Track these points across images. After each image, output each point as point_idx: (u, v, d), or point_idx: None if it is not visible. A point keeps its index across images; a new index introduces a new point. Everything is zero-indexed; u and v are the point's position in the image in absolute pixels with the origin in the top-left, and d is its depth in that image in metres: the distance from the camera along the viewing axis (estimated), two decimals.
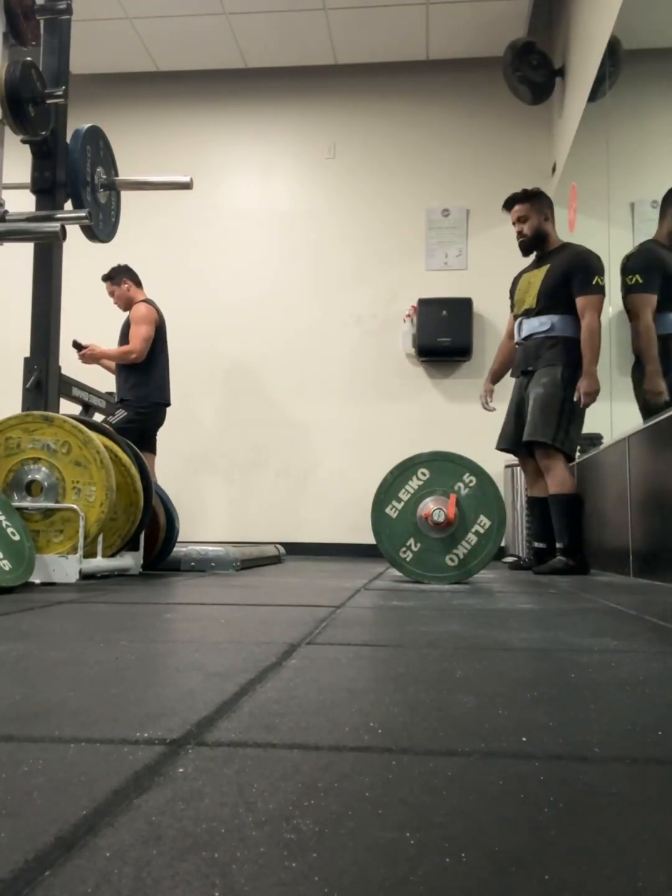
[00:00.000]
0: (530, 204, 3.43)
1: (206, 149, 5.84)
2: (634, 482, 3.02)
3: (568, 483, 3.32)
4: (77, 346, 4.30)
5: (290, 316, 5.61)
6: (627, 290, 3.23)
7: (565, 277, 3.33)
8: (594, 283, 3.28)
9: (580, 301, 3.29)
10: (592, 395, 3.26)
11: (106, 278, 4.57)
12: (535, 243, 3.47)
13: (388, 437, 5.30)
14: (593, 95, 4.10)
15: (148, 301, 4.45)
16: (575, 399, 3.25)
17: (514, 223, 3.50)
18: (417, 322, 5.32)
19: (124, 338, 4.40)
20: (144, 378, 4.34)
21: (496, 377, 3.84)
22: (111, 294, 4.57)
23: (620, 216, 3.93)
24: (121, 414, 4.24)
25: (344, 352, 5.54)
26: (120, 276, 4.51)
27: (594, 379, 3.27)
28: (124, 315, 4.60)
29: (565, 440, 3.28)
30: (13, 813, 0.45)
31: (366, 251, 5.61)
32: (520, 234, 3.47)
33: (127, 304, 4.53)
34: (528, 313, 3.45)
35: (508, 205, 3.49)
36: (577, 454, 4.17)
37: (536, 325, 3.40)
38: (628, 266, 3.25)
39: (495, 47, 5.30)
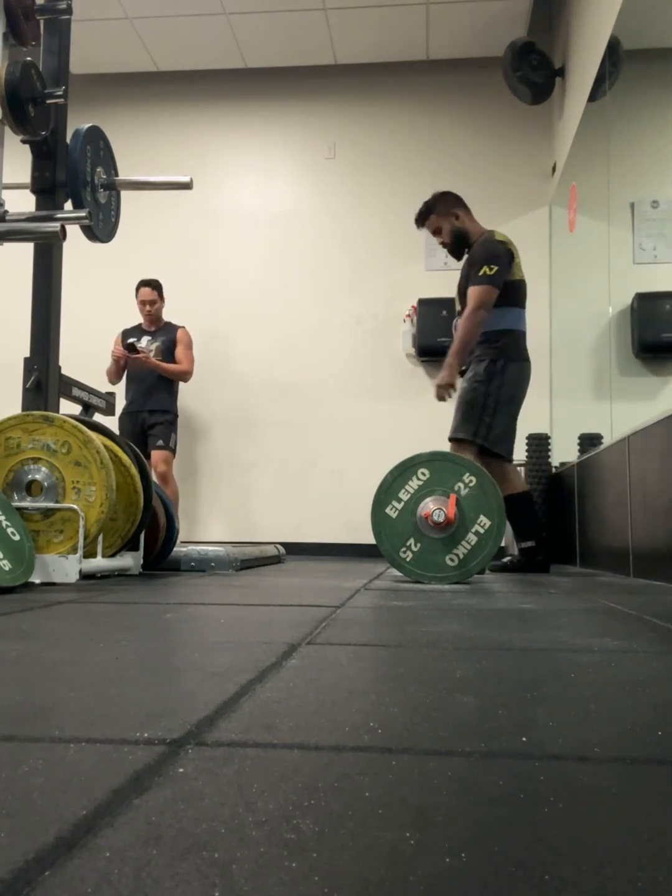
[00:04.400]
0: (435, 215, 3.30)
1: (205, 149, 5.84)
2: (634, 482, 3.02)
3: (511, 483, 3.15)
4: (133, 348, 4.67)
5: (289, 316, 5.61)
6: None
7: (467, 272, 3.19)
8: (481, 273, 3.08)
9: (469, 292, 3.12)
10: (442, 388, 3.11)
11: (153, 287, 4.91)
12: (459, 246, 3.30)
13: (387, 437, 5.29)
14: (593, 95, 4.11)
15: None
16: (496, 391, 3.08)
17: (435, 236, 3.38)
18: (417, 322, 5.32)
19: (168, 354, 4.88)
20: (176, 394, 4.99)
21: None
22: (150, 303, 4.91)
23: (620, 216, 3.94)
24: (171, 424, 4.87)
25: (344, 352, 5.54)
26: (163, 291, 4.96)
27: (450, 371, 3.09)
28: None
29: (488, 435, 3.08)
30: (13, 813, 0.45)
31: (365, 251, 5.61)
32: (442, 244, 3.35)
33: (156, 319, 4.96)
34: (459, 314, 3.29)
35: (419, 225, 3.38)
36: (578, 454, 4.17)
37: None
38: None
39: (495, 47, 5.30)
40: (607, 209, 4.01)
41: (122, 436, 4.68)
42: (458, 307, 3.31)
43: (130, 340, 4.75)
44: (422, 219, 3.35)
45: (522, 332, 3.21)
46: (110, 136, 3.14)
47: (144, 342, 4.87)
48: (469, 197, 5.55)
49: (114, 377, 4.92)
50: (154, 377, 4.81)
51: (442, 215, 3.29)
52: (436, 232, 3.33)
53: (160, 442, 4.79)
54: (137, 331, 4.98)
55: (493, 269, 3.07)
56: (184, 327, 4.99)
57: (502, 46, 5.12)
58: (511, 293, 3.16)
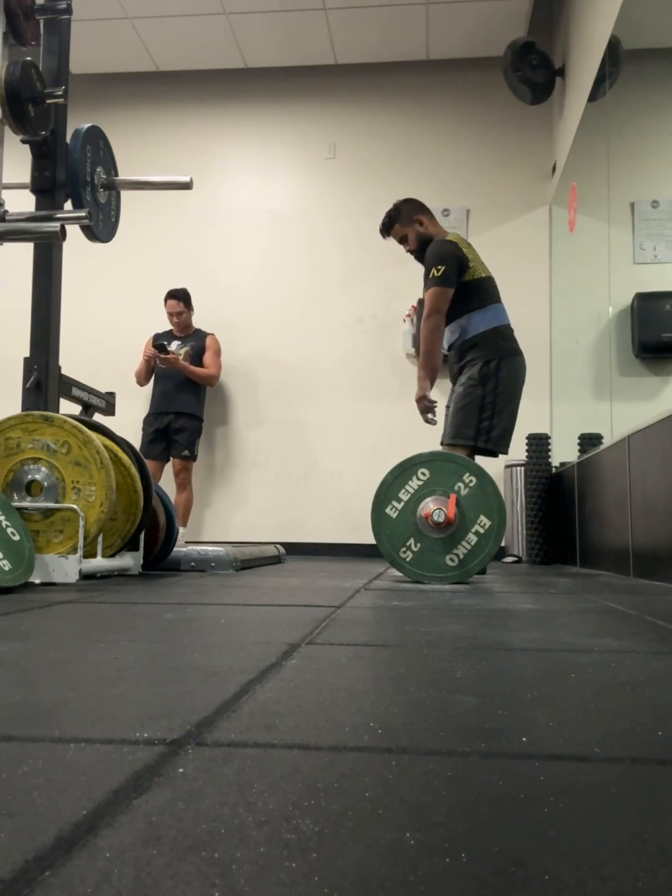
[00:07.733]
0: (399, 224, 3.25)
1: (205, 149, 5.84)
2: (634, 482, 3.02)
3: None
4: (164, 349, 4.78)
5: (289, 316, 5.61)
6: None
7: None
8: (430, 276, 3.04)
9: (424, 297, 3.10)
10: (419, 403, 3.11)
11: (179, 298, 5.00)
12: (425, 250, 3.20)
13: (388, 437, 5.29)
14: (593, 95, 4.11)
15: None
16: (492, 391, 3.03)
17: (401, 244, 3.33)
18: (417, 322, 5.32)
19: (197, 359, 5.03)
20: (204, 400, 5.12)
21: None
22: (178, 313, 5.02)
23: (620, 216, 3.94)
24: (196, 431, 4.99)
25: (344, 352, 5.54)
26: (190, 301, 5.06)
27: (422, 385, 3.08)
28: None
29: (488, 436, 3.03)
30: (13, 813, 0.45)
31: (365, 251, 5.61)
32: (410, 252, 3.29)
33: (186, 327, 5.09)
34: None
35: (384, 235, 3.32)
36: (578, 454, 4.17)
37: (449, 335, 3.18)
38: None
39: (495, 47, 5.30)
40: (607, 209, 4.01)
41: (144, 434, 4.89)
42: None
43: (161, 341, 4.89)
44: (386, 229, 3.30)
45: (507, 325, 3.16)
46: (110, 136, 3.14)
47: (174, 346, 5.02)
48: (469, 197, 5.61)
49: (143, 379, 5.07)
50: (182, 379, 4.93)
51: (406, 223, 3.24)
52: (402, 240, 3.28)
53: (185, 451, 4.91)
54: (168, 336, 5.13)
55: (440, 270, 3.04)
56: (213, 334, 5.15)
57: (502, 46, 5.12)
58: (480, 292, 3.11)
